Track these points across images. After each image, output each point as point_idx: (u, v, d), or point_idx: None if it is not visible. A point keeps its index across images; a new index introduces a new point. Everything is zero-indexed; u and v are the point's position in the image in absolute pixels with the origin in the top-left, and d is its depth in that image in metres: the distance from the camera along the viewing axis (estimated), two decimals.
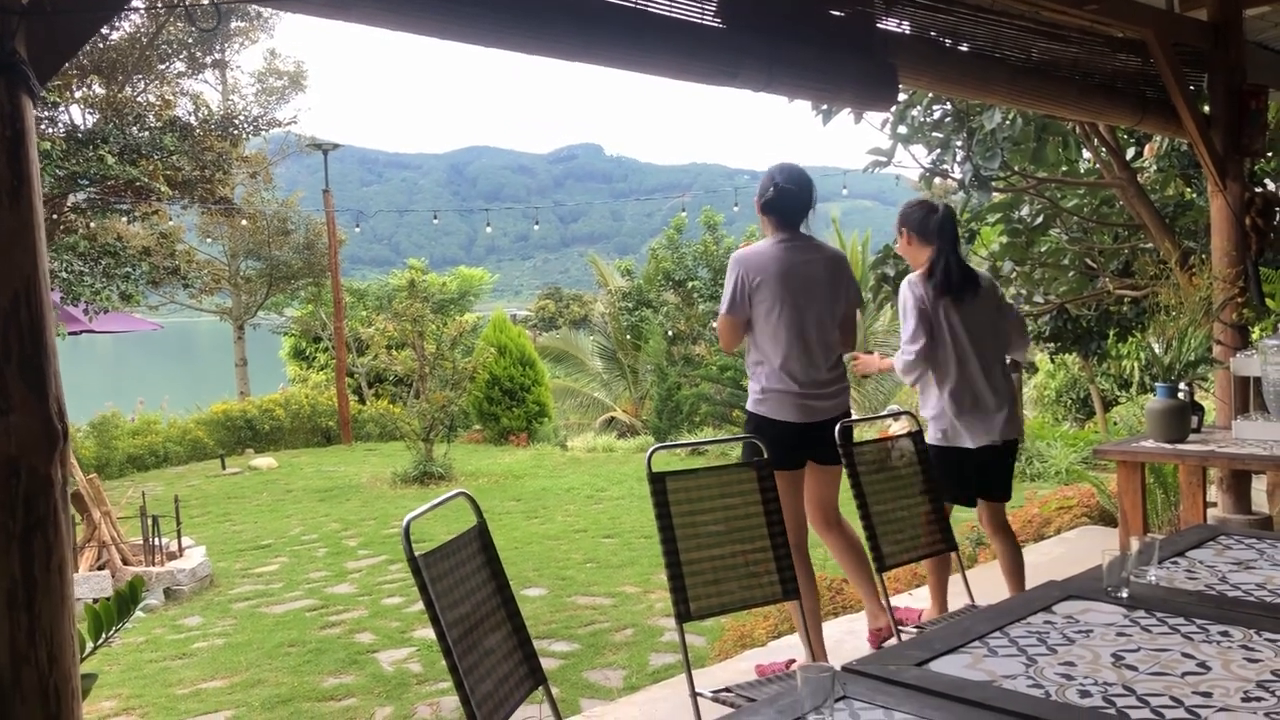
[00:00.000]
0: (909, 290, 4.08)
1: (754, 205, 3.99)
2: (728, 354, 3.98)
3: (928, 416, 4.16)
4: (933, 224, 4.13)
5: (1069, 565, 3.42)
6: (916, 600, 5.11)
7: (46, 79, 1.77)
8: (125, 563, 7.40)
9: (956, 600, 4.17)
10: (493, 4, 2.60)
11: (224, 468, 14.11)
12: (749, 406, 3.92)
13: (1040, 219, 6.88)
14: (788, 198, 3.86)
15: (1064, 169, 6.71)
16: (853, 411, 4.07)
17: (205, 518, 10.41)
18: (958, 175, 6.21)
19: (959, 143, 6.03)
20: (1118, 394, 12.71)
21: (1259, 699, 1.65)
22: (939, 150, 6.27)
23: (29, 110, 1.71)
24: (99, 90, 13.00)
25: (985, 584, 4.58)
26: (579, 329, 23.39)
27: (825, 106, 5.80)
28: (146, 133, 12.50)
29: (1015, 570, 4.28)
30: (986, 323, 4.14)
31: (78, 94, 12.52)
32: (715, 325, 17.43)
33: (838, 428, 3.46)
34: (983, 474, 4.18)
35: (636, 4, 2.96)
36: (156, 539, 7.61)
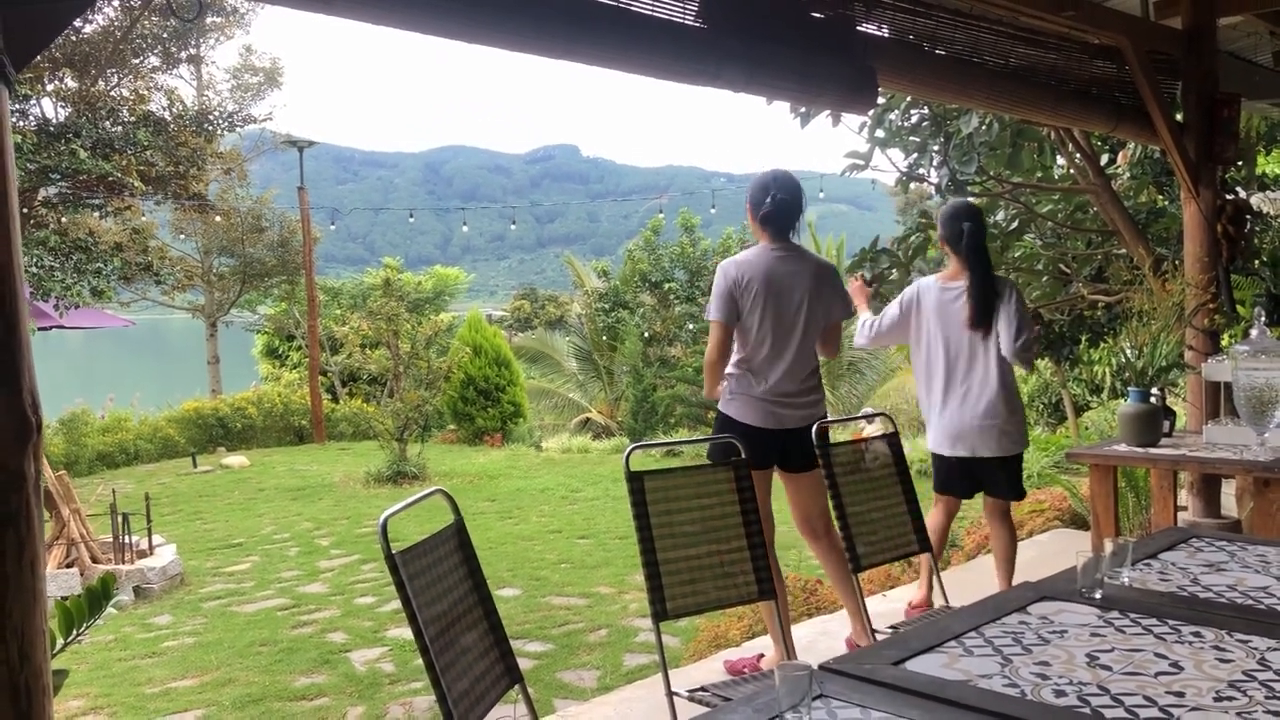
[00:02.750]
0: (916, 287, 4.36)
1: (746, 213, 4.02)
2: (714, 364, 3.98)
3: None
4: (961, 247, 4.28)
5: (1042, 567, 3.45)
6: (889, 601, 5.14)
7: (21, 66, 1.75)
8: (94, 560, 7.32)
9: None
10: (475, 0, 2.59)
11: (195, 466, 13.99)
12: (720, 404, 3.96)
13: (1015, 224, 6.93)
14: (783, 209, 3.90)
15: (1039, 174, 6.76)
16: (828, 413, 4.14)
17: (176, 516, 10.32)
18: (934, 179, 6.25)
19: (936, 147, 6.06)
20: (1089, 399, 12.82)
21: (1230, 699, 1.66)
22: (916, 154, 6.30)
23: (3, 98, 1.68)
24: (71, 83, 12.87)
25: (958, 585, 4.62)
26: (555, 330, 23.35)
27: (804, 109, 5.82)
28: (120, 127, 12.40)
29: (1008, 558, 4.46)
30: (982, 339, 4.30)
31: (49, 87, 12.40)
32: (692, 326, 17.51)
33: (814, 429, 3.47)
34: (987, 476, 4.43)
35: (619, 3, 2.96)
36: (126, 537, 7.54)
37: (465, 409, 16.39)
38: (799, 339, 3.87)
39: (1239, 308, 5.28)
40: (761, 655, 4.15)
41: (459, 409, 16.42)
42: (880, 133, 6.33)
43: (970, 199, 6.52)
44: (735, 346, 3.88)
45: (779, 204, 3.88)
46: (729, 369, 3.90)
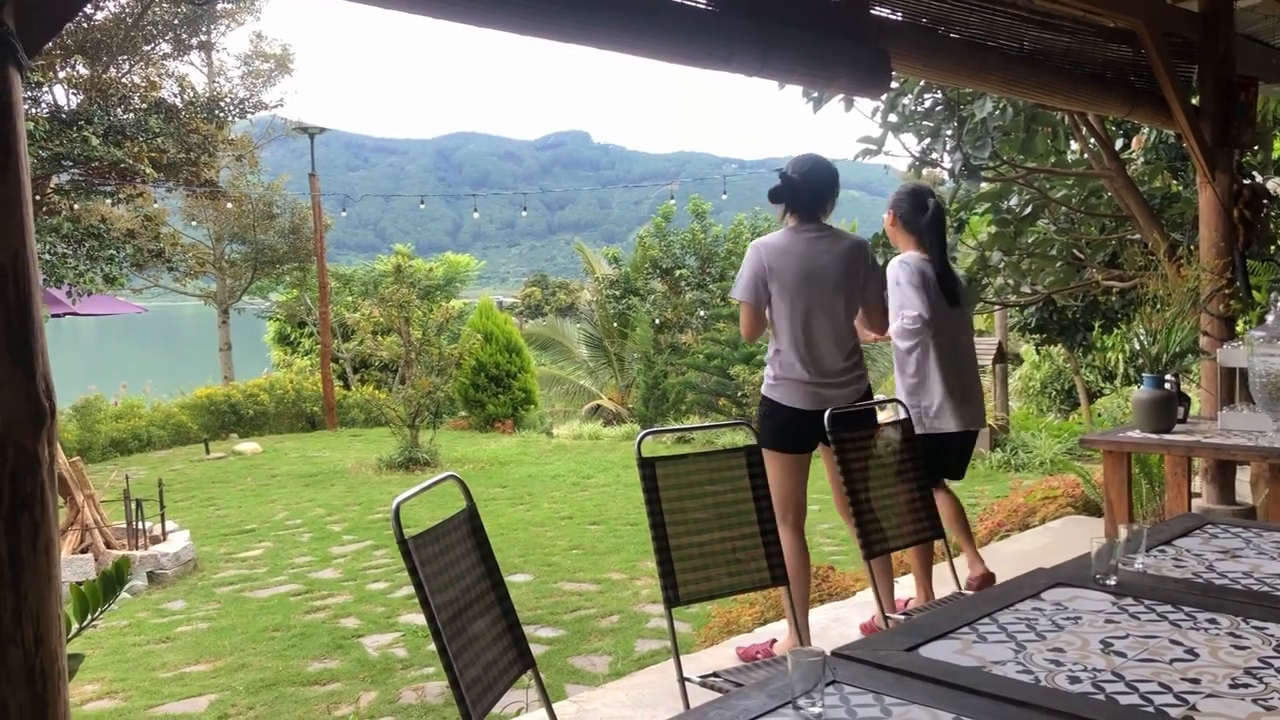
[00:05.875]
0: (901, 268, 4.17)
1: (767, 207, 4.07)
2: (750, 342, 4.02)
3: (912, 400, 4.23)
4: (922, 223, 4.22)
5: (1055, 554, 3.43)
6: (901, 588, 5.12)
7: (34, 51, 1.74)
8: (108, 546, 7.36)
9: (942, 588, 4.19)
10: None
11: (208, 452, 14.04)
12: (763, 390, 3.98)
13: (1029, 209, 6.89)
14: (792, 188, 3.91)
15: (1053, 159, 6.72)
16: (870, 392, 4.13)
17: (189, 502, 10.37)
18: (948, 164, 6.21)
19: (949, 132, 6.02)
20: (1102, 386, 12.76)
21: (1247, 685, 1.66)
22: (929, 139, 6.26)
23: (17, 83, 1.68)
24: (83, 71, 12.88)
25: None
26: (565, 316, 23.33)
27: (816, 93, 5.78)
28: (131, 114, 12.41)
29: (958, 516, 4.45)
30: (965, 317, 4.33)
31: (61, 74, 12.41)
32: (703, 313, 17.48)
33: (826, 416, 3.46)
34: (952, 457, 4.36)
35: None
36: (140, 522, 7.57)
37: (476, 395, 16.41)
38: (837, 319, 3.89)
39: (1255, 293, 5.25)
40: (774, 640, 4.15)
41: (470, 395, 16.44)
42: (893, 117, 6.29)
43: (985, 183, 6.50)
44: (774, 330, 3.90)
45: (788, 181, 3.90)
46: (772, 353, 3.92)
